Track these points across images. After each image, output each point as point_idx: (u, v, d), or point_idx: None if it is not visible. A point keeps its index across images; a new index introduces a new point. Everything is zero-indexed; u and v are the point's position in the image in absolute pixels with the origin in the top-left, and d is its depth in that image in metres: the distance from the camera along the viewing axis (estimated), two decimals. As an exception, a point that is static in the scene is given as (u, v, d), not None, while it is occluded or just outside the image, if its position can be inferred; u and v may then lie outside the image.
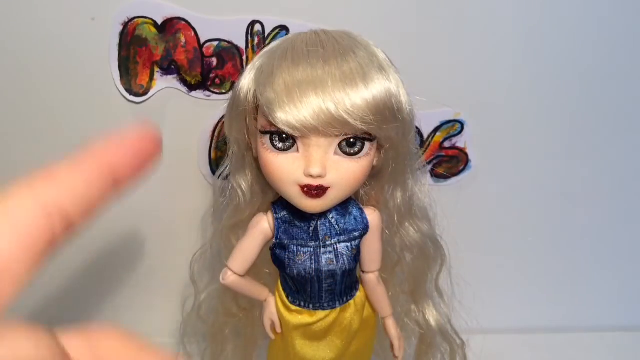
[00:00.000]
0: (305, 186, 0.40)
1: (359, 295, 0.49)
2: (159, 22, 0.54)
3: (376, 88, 0.39)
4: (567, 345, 0.71)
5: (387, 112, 0.40)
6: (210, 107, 0.58)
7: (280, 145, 0.40)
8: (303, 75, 0.38)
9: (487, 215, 0.67)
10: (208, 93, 0.57)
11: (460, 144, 0.62)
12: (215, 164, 0.60)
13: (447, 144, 0.62)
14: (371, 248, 0.47)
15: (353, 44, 0.41)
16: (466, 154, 0.63)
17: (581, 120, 0.63)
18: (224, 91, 0.57)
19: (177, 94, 0.57)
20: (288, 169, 0.40)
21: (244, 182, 0.49)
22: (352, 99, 0.38)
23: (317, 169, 0.39)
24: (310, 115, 0.37)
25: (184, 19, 0.54)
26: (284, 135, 0.40)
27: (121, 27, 0.54)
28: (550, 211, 0.68)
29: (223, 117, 0.58)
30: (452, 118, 0.60)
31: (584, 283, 0.73)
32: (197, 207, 0.61)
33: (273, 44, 0.44)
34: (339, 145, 0.40)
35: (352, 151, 0.40)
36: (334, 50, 0.40)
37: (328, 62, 0.39)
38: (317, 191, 0.40)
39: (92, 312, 0.69)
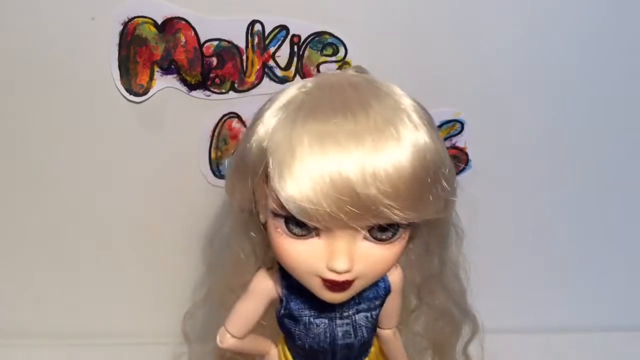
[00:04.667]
0: (328, 281, 0.34)
1: (374, 350, 0.44)
2: (159, 21, 0.54)
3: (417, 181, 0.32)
4: (567, 345, 0.71)
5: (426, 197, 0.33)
6: (210, 107, 0.57)
7: (297, 230, 0.34)
8: (330, 167, 0.31)
9: (487, 215, 0.67)
10: (208, 93, 0.57)
11: (460, 144, 0.62)
12: (215, 164, 0.60)
13: (447, 144, 0.62)
14: (390, 307, 0.43)
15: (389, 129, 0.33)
16: (466, 154, 0.63)
17: (582, 119, 0.63)
18: (224, 91, 0.57)
19: (177, 94, 0.57)
20: (307, 259, 0.34)
21: (248, 245, 0.43)
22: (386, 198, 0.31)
23: (343, 264, 0.33)
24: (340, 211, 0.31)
25: (184, 19, 0.54)
26: None
27: (121, 27, 0.54)
28: (550, 211, 0.68)
29: (223, 116, 0.58)
30: (452, 118, 0.60)
31: (584, 283, 0.73)
32: (197, 208, 0.61)
33: (288, 96, 0.36)
34: (369, 229, 0.34)
35: (383, 237, 0.34)
36: (367, 127, 0.32)
37: (361, 145, 0.31)
38: (341, 286, 0.35)
39: (93, 313, 0.69)
